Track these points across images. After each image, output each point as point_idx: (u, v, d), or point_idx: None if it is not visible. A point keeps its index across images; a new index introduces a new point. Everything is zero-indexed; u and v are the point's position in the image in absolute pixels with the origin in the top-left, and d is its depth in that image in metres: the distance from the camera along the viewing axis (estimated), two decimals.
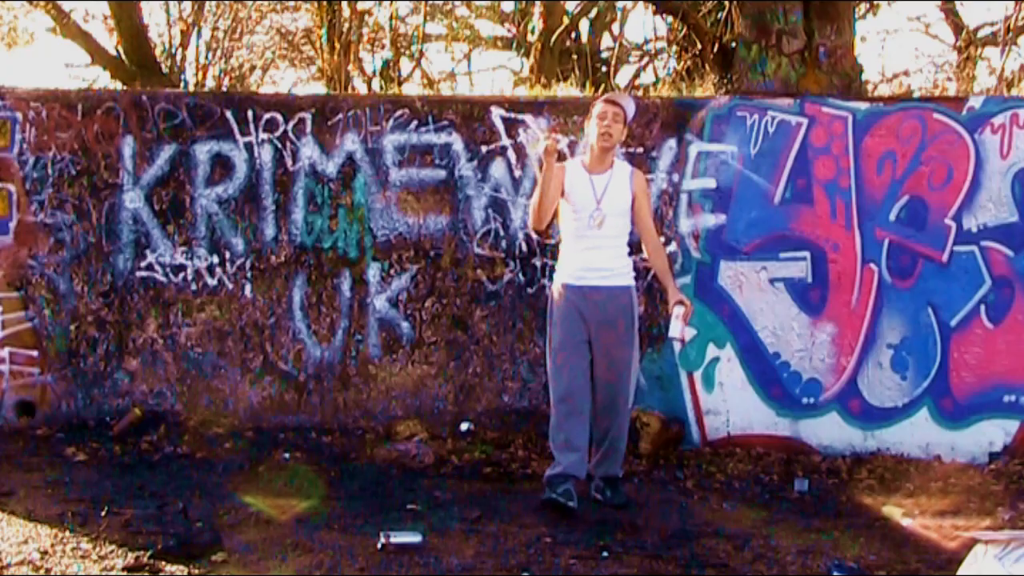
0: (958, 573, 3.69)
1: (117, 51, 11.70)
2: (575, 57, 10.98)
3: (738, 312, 6.12)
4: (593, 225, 4.99)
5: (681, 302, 5.04)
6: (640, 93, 11.13)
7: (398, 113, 6.32)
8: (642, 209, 5.14)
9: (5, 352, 6.38)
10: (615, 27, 14.26)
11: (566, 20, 13.07)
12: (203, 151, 6.35)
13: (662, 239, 6.17)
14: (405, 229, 6.31)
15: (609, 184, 5.04)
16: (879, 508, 5.30)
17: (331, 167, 6.33)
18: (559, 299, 5.06)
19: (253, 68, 13.75)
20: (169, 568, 4.06)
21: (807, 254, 6.08)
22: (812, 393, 6.08)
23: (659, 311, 6.16)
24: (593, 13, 13.74)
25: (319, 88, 11.84)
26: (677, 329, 5.02)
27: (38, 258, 6.37)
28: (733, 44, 8.11)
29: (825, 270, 6.07)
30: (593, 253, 5.02)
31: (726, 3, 8.38)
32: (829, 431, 6.06)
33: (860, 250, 6.05)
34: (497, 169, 6.25)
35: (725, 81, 7.65)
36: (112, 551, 4.24)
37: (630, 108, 5.14)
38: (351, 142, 6.32)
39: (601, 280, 5.01)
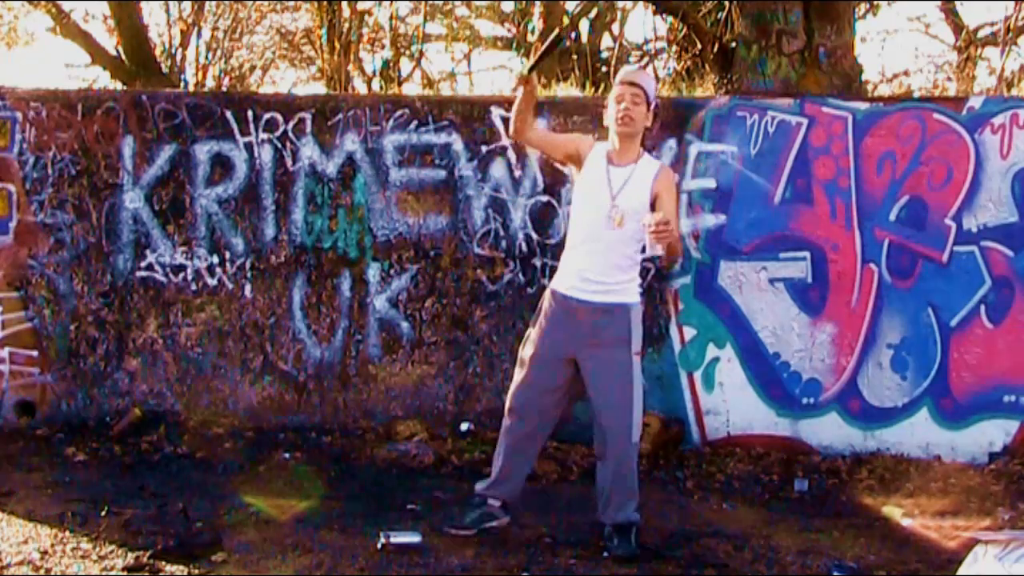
0: (958, 573, 3.69)
1: (117, 51, 11.71)
2: (575, 57, 10.96)
3: (738, 312, 6.12)
4: (612, 225, 4.33)
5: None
6: None
7: (398, 113, 6.32)
8: (665, 211, 4.29)
9: (5, 352, 6.38)
10: (615, 27, 14.27)
11: (566, 20, 13.06)
12: (203, 151, 6.35)
13: None
14: (405, 229, 6.31)
15: (630, 179, 4.39)
16: (879, 508, 5.30)
17: (331, 167, 6.33)
18: (547, 307, 4.49)
19: (253, 68, 13.75)
20: (169, 568, 4.06)
21: (807, 254, 6.08)
22: (812, 393, 6.08)
23: (658, 311, 6.16)
24: (593, 13, 13.74)
25: (319, 88, 11.85)
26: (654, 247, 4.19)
27: (38, 258, 6.37)
28: (733, 44, 8.11)
29: (825, 270, 6.07)
30: (597, 259, 4.38)
31: (726, 3, 8.39)
32: (829, 431, 6.05)
33: (860, 250, 6.04)
34: (497, 169, 6.25)
35: (725, 81, 7.65)
36: (112, 551, 4.24)
37: (650, 86, 4.45)
38: (351, 142, 6.32)
39: (594, 295, 4.38)
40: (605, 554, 4.37)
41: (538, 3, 13.20)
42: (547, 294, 4.55)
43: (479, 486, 4.63)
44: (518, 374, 4.53)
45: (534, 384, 4.47)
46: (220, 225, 6.36)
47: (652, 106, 4.46)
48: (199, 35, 12.16)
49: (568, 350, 4.43)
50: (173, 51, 12.12)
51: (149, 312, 6.37)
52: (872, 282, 6.03)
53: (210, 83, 12.09)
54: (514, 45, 13.97)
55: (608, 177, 4.40)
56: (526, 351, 4.51)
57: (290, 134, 6.33)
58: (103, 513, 4.73)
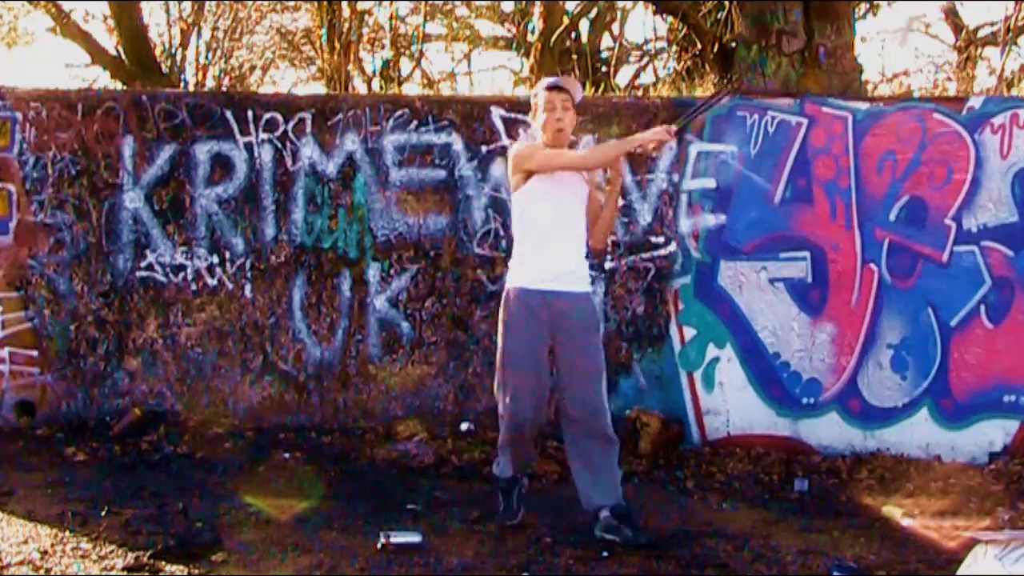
0: (958, 573, 3.69)
1: (117, 51, 11.71)
2: (575, 57, 10.97)
3: (738, 312, 6.12)
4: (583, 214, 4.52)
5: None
6: (640, 93, 11.15)
7: (398, 113, 6.32)
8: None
9: (5, 352, 6.38)
10: (615, 27, 14.28)
11: (566, 20, 13.07)
12: (203, 151, 6.35)
13: (662, 239, 6.18)
14: (405, 229, 6.31)
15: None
16: (879, 508, 5.30)
17: (331, 167, 6.33)
18: (514, 304, 4.51)
19: (253, 68, 13.76)
20: (169, 568, 4.06)
21: (807, 254, 6.08)
22: (812, 393, 6.08)
23: (659, 311, 6.16)
24: (593, 13, 13.74)
25: (319, 88, 11.84)
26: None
27: (38, 258, 6.37)
28: (733, 44, 8.12)
29: (825, 270, 6.07)
30: (559, 251, 4.49)
31: (726, 3, 8.40)
32: (829, 431, 6.05)
33: (860, 250, 6.05)
34: (497, 169, 6.24)
35: (725, 81, 7.66)
36: (112, 551, 4.24)
37: (577, 91, 4.60)
38: (351, 142, 6.32)
39: (567, 285, 4.49)
40: (605, 554, 4.37)
41: (538, 3, 13.20)
42: (514, 293, 4.51)
43: (499, 472, 4.73)
44: (504, 383, 4.52)
45: (524, 390, 4.47)
46: (220, 225, 6.35)
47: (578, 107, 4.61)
48: (199, 35, 12.16)
49: (548, 342, 4.48)
50: (173, 51, 12.12)
51: (149, 312, 6.37)
52: (872, 282, 6.03)
53: (210, 83, 12.10)
54: (514, 45, 13.98)
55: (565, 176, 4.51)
56: (506, 358, 4.50)
57: (290, 134, 6.33)
58: (103, 513, 4.73)
